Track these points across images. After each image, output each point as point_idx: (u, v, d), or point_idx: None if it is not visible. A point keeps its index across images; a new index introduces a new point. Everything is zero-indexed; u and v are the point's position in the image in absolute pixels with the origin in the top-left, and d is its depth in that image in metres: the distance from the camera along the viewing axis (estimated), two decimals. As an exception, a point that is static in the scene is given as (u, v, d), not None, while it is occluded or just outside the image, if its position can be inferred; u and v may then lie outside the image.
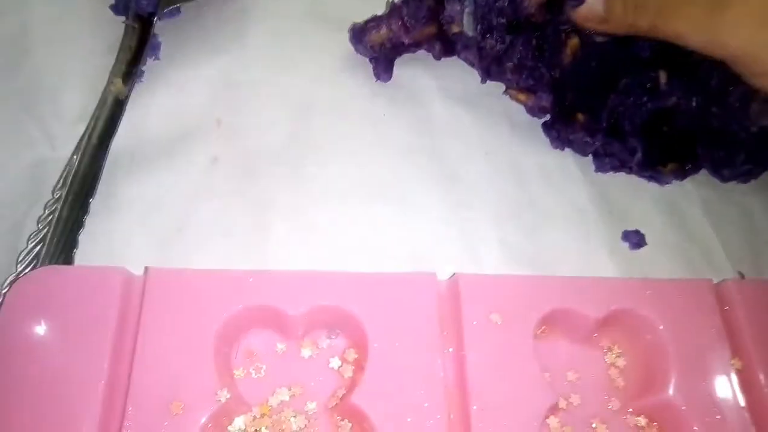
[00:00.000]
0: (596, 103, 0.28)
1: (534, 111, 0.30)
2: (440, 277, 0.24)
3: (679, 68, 0.27)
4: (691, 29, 0.24)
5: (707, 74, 0.27)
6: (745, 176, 0.29)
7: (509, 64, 0.28)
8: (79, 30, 0.30)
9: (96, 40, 0.30)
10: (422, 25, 0.29)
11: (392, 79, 0.31)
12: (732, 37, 0.24)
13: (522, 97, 0.30)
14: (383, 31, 0.29)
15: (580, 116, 0.28)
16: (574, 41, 0.27)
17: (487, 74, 0.30)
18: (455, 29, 0.28)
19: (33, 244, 0.24)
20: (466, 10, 0.28)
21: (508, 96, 0.30)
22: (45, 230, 0.24)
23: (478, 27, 0.28)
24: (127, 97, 0.28)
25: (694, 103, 0.27)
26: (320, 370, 0.23)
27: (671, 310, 0.24)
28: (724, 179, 0.29)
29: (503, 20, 0.27)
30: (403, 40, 0.29)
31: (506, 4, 0.27)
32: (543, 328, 0.24)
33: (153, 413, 0.20)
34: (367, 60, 0.30)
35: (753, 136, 0.27)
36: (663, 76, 0.27)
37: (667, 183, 0.29)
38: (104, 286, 0.22)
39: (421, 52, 0.30)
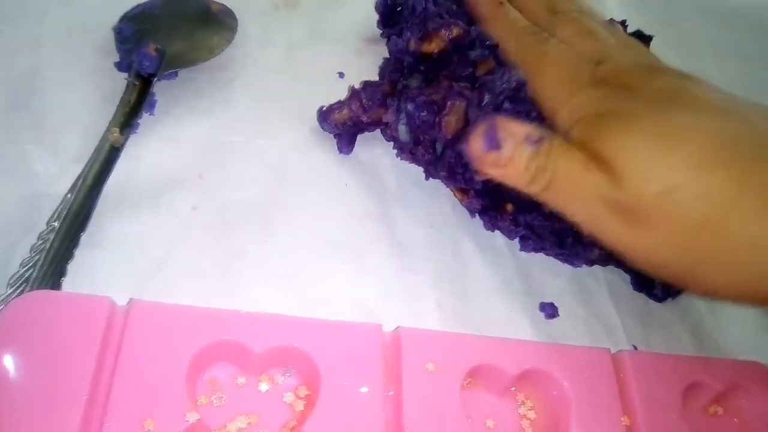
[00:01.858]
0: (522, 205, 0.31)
1: (467, 208, 0.33)
2: (386, 328, 0.26)
3: None
4: (575, 215, 0.26)
5: None
6: (674, 295, 0.33)
7: (442, 173, 0.31)
8: (83, 79, 0.32)
9: (97, 90, 0.32)
10: (377, 106, 0.32)
11: (355, 154, 0.34)
12: (607, 232, 0.26)
13: (458, 195, 0.33)
14: (344, 111, 0.32)
15: (509, 206, 0.31)
16: None
17: (426, 173, 0.33)
18: (393, 133, 0.32)
19: (25, 269, 0.26)
20: (401, 120, 0.30)
21: None
22: (37, 257, 0.26)
23: (410, 137, 0.31)
24: (122, 146, 0.30)
25: None
26: (275, 403, 0.25)
27: (576, 372, 0.27)
28: (659, 300, 0.33)
29: (428, 137, 0.30)
30: (362, 119, 0.32)
31: (429, 126, 0.30)
32: (469, 380, 0.27)
33: (128, 429, 0.22)
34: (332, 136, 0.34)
35: None
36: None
37: (579, 266, 0.33)
38: (91, 311, 0.24)
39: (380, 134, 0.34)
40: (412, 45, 0.31)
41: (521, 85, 0.29)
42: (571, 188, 0.25)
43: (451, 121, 0.29)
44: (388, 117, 0.31)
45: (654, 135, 0.24)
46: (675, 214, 0.24)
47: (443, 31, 0.31)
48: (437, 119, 0.29)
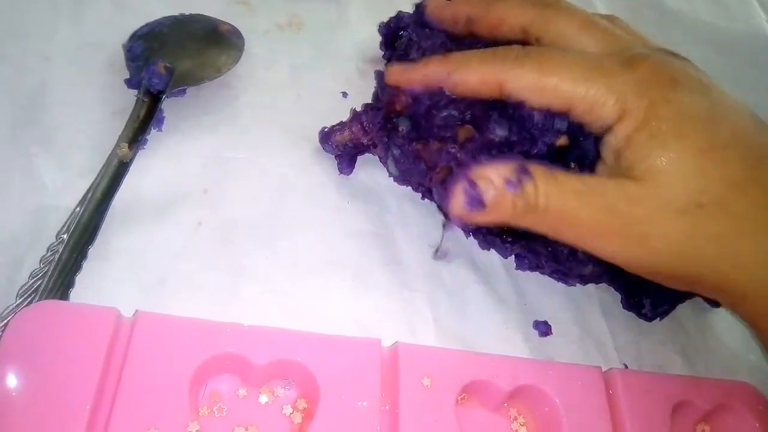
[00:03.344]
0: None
1: (462, 229, 0.33)
2: (384, 344, 0.27)
3: None
4: (574, 242, 0.26)
5: None
6: (663, 315, 0.33)
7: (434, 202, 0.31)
8: (92, 95, 0.33)
9: (106, 106, 0.33)
10: (378, 129, 0.32)
11: (356, 175, 0.34)
12: (606, 252, 0.26)
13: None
14: (346, 133, 0.33)
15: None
16: None
17: (422, 196, 0.33)
18: (383, 164, 0.32)
19: (34, 280, 0.26)
20: (390, 157, 0.31)
21: None
22: (46, 268, 0.27)
23: (399, 172, 0.31)
24: (131, 161, 0.30)
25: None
26: (274, 415, 0.26)
27: (567, 389, 0.27)
28: (648, 319, 0.33)
29: (415, 179, 0.30)
30: (362, 141, 0.33)
31: (415, 173, 0.29)
32: (463, 395, 0.28)
33: (132, 437, 0.23)
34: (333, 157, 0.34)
35: None
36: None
37: (573, 285, 0.34)
38: (97, 322, 0.25)
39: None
40: (383, 106, 0.31)
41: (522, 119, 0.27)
42: (566, 216, 0.25)
43: (440, 176, 0.28)
44: (378, 151, 0.31)
45: (701, 150, 0.25)
46: (693, 228, 0.24)
47: (402, 98, 0.30)
48: (424, 168, 0.29)
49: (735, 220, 0.25)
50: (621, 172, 0.25)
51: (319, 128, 0.34)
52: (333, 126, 0.34)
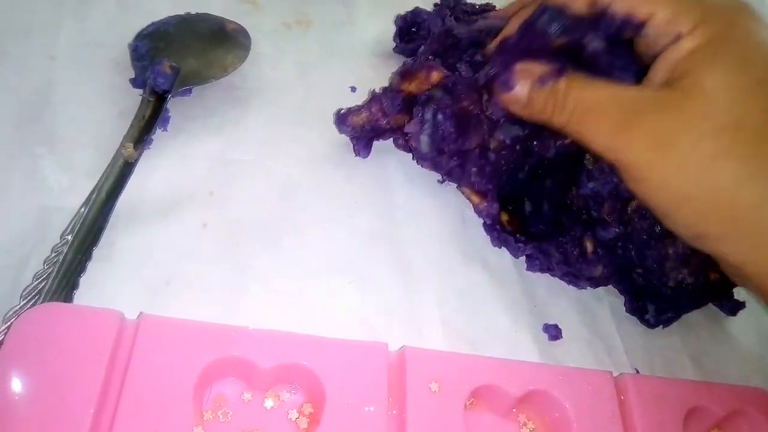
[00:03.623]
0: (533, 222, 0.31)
1: (481, 214, 0.33)
2: (391, 346, 0.27)
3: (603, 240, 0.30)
4: (596, 139, 0.27)
5: (626, 246, 0.30)
6: (666, 323, 0.33)
7: (473, 169, 0.31)
8: (97, 95, 0.33)
9: (111, 106, 0.33)
10: (397, 112, 0.32)
11: (365, 170, 0.34)
12: (627, 153, 0.26)
13: (474, 198, 0.33)
14: (364, 114, 0.32)
15: (505, 218, 0.32)
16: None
17: (446, 175, 0.33)
18: (413, 143, 0.32)
19: (38, 281, 0.26)
20: (424, 131, 0.30)
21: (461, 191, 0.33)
22: (50, 270, 0.27)
23: (431, 147, 0.31)
24: (136, 161, 0.30)
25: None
26: (280, 420, 0.26)
27: (578, 394, 0.27)
28: (651, 326, 0.33)
29: (454, 147, 0.31)
30: (381, 123, 0.32)
31: (454, 138, 0.30)
32: (472, 400, 0.27)
33: (135, 441, 0.23)
34: (347, 149, 0.34)
35: (671, 290, 0.31)
36: (590, 246, 0.30)
37: (583, 288, 0.33)
38: (101, 325, 0.25)
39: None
40: (394, 81, 0.32)
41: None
42: (592, 114, 0.27)
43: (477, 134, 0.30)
44: (411, 127, 0.31)
45: (758, 79, 0.26)
46: (726, 146, 0.25)
47: (422, 73, 0.31)
48: (465, 130, 0.30)
49: None
50: (667, 84, 0.26)
51: (333, 113, 0.34)
52: (350, 107, 0.33)
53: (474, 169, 0.31)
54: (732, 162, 0.25)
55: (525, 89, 0.28)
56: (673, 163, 0.25)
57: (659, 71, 0.27)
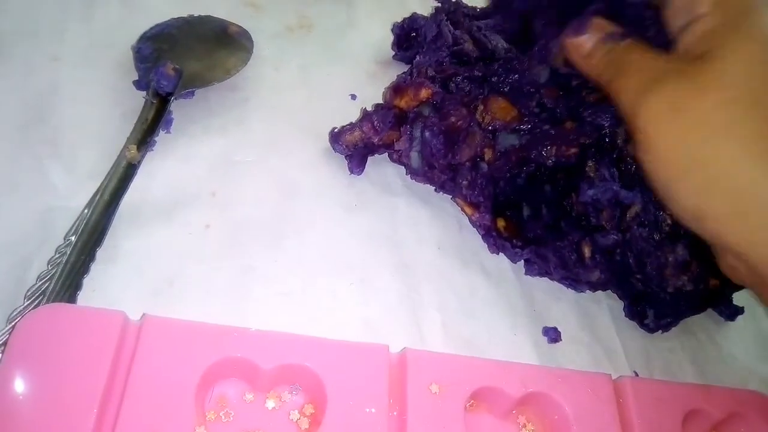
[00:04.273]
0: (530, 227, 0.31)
1: (475, 224, 0.33)
2: (392, 349, 0.27)
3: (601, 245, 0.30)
4: (622, 94, 0.27)
5: (625, 253, 0.30)
6: (665, 328, 0.33)
7: (464, 182, 0.32)
8: (101, 96, 0.33)
9: (115, 107, 0.33)
10: (389, 128, 0.32)
11: (365, 175, 0.34)
12: (642, 117, 0.26)
13: (468, 209, 0.33)
14: (356, 132, 0.33)
15: (502, 223, 0.32)
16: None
17: (440, 188, 0.34)
18: (404, 159, 0.32)
19: (42, 282, 0.26)
20: (413, 147, 0.31)
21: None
22: (54, 271, 0.27)
23: (422, 163, 0.31)
24: (139, 162, 0.30)
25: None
26: (281, 420, 0.26)
27: (577, 397, 0.27)
28: (650, 330, 0.33)
29: (444, 162, 0.31)
30: (373, 140, 0.33)
31: (443, 154, 0.31)
32: (472, 401, 0.27)
33: (138, 441, 0.23)
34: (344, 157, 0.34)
35: (670, 295, 0.31)
36: (587, 251, 0.31)
37: (582, 291, 0.33)
38: (104, 325, 0.25)
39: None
40: (387, 96, 0.32)
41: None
42: (637, 74, 0.27)
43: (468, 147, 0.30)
44: (401, 144, 0.32)
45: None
46: (737, 117, 0.25)
47: (412, 90, 0.31)
48: (454, 146, 0.30)
49: None
50: (693, 56, 0.26)
51: (329, 130, 0.34)
52: (343, 126, 0.34)
53: (465, 182, 0.32)
54: (740, 137, 0.24)
55: (592, 40, 0.29)
56: (681, 130, 0.25)
57: (683, 45, 0.27)
